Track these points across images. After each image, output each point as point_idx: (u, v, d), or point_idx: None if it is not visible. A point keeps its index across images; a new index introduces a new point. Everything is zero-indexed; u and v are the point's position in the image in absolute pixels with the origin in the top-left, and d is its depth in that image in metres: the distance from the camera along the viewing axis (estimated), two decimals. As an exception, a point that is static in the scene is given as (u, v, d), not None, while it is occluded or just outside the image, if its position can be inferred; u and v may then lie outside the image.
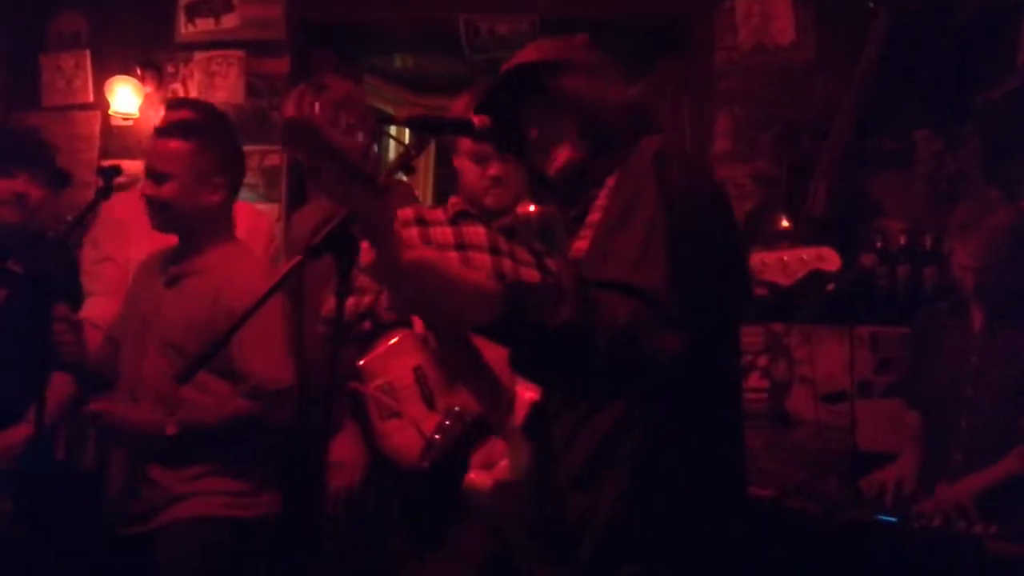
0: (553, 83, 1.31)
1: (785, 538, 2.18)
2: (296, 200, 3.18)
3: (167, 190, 2.00)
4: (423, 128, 1.35)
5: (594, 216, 1.24)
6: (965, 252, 2.34)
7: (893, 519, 2.17)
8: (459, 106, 1.94)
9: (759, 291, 3.27)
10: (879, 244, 3.15)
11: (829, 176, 3.21)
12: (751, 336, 3.20)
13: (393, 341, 1.90)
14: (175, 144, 2.00)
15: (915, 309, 2.82)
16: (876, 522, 2.22)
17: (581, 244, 1.24)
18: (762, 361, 3.25)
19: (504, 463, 1.23)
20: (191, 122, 2.04)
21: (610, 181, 1.24)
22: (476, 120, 1.46)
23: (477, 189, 2.00)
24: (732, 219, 1.28)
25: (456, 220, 2.02)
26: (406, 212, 2.00)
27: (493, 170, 1.96)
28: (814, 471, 3.17)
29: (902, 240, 3.20)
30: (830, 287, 2.52)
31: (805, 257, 2.31)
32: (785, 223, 3.18)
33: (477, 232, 1.99)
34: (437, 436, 1.65)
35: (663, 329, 1.02)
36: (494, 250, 1.97)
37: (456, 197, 2.09)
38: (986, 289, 2.34)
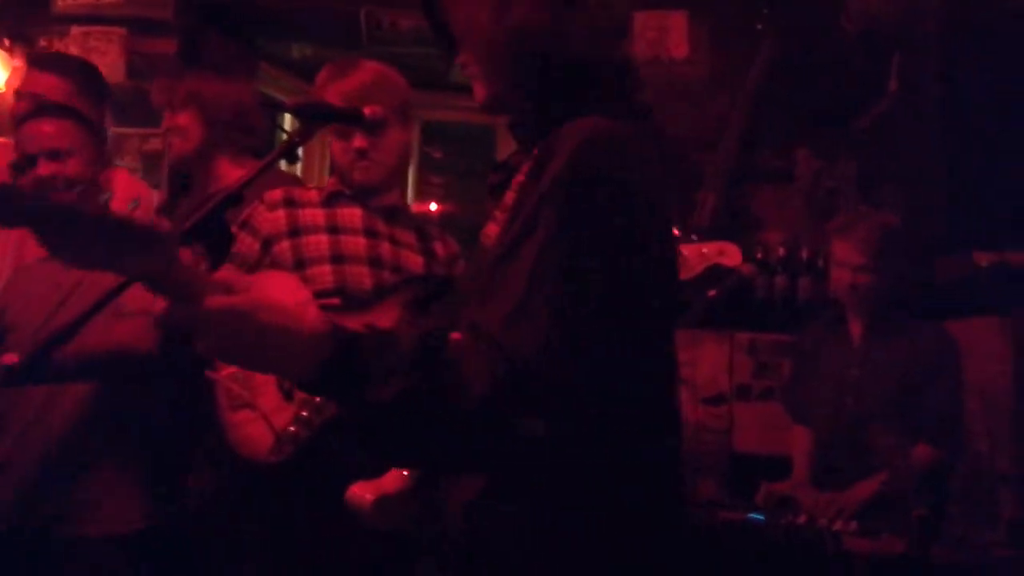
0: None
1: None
2: (179, 187, 3.04)
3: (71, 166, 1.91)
4: (311, 116, 1.31)
5: (510, 197, 1.00)
6: (845, 249, 2.40)
7: (761, 517, 2.27)
8: (321, 79, 1.82)
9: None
10: (759, 255, 3.29)
11: (716, 189, 3.34)
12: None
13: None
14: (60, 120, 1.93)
15: (791, 317, 2.95)
16: (747, 521, 2.32)
17: (492, 229, 1.03)
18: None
19: (390, 474, 1.15)
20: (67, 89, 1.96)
21: (527, 165, 0.98)
22: (368, 110, 1.43)
23: (343, 164, 1.86)
24: (668, 223, 1.02)
25: (330, 201, 1.88)
26: (274, 194, 1.86)
27: (357, 142, 1.80)
28: (694, 472, 3.28)
29: (780, 252, 3.36)
30: (712, 293, 2.61)
31: (706, 251, 2.35)
32: (675, 232, 3.27)
33: (352, 214, 1.86)
34: (292, 429, 1.53)
35: (528, 405, 0.84)
36: (370, 232, 1.85)
37: (334, 179, 1.96)
38: (863, 291, 2.40)
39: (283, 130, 1.27)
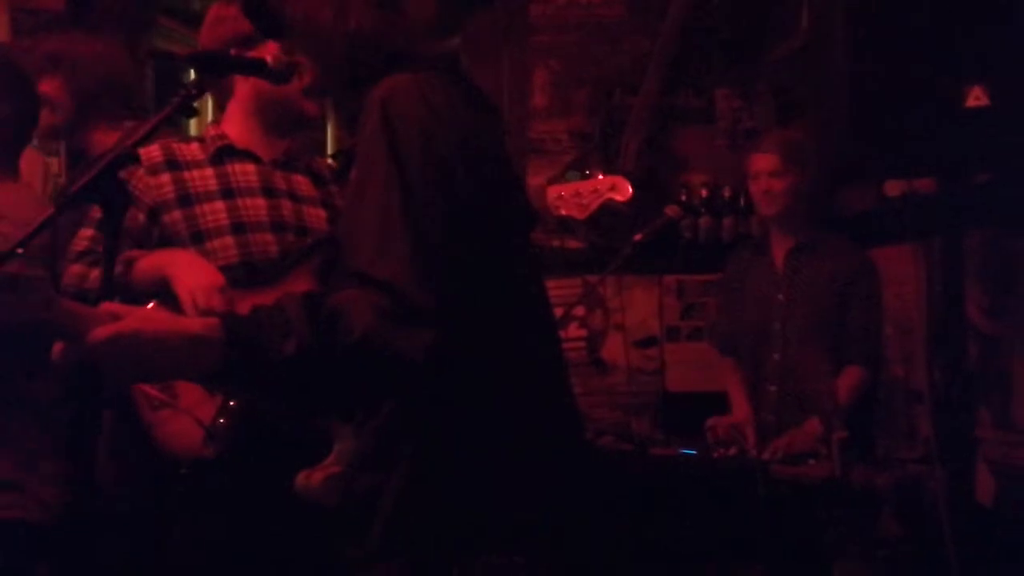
0: None
1: (600, 476, 2.28)
2: (77, 155, 2.88)
3: None
4: (209, 67, 1.24)
5: (355, 172, 1.10)
6: (757, 160, 2.51)
7: (693, 451, 2.33)
8: (210, 19, 1.66)
9: (573, 244, 3.41)
10: (683, 197, 3.33)
11: (639, 132, 3.36)
12: (569, 288, 3.30)
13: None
14: None
15: (716, 256, 3.00)
16: (680, 455, 2.38)
17: (345, 203, 1.13)
18: (579, 311, 3.37)
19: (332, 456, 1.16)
20: None
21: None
22: (270, 58, 1.36)
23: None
24: (498, 148, 1.12)
25: (219, 158, 1.68)
26: (152, 153, 1.65)
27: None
28: (628, 412, 3.36)
29: (704, 193, 3.40)
30: (638, 237, 2.62)
31: (598, 187, 2.35)
32: (601, 177, 3.28)
33: (245, 170, 1.68)
34: (221, 420, 1.47)
35: (410, 327, 0.92)
36: (268, 191, 1.69)
37: (216, 127, 1.72)
38: (778, 195, 2.47)
39: (181, 84, 1.20)
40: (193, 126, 2.73)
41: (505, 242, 1.09)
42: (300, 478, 1.14)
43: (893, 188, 2.38)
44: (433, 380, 0.97)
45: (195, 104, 1.20)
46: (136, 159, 1.10)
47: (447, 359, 0.95)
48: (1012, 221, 2.10)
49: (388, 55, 1.09)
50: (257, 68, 1.33)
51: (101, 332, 0.90)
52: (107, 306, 0.96)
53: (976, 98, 1.44)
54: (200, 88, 1.19)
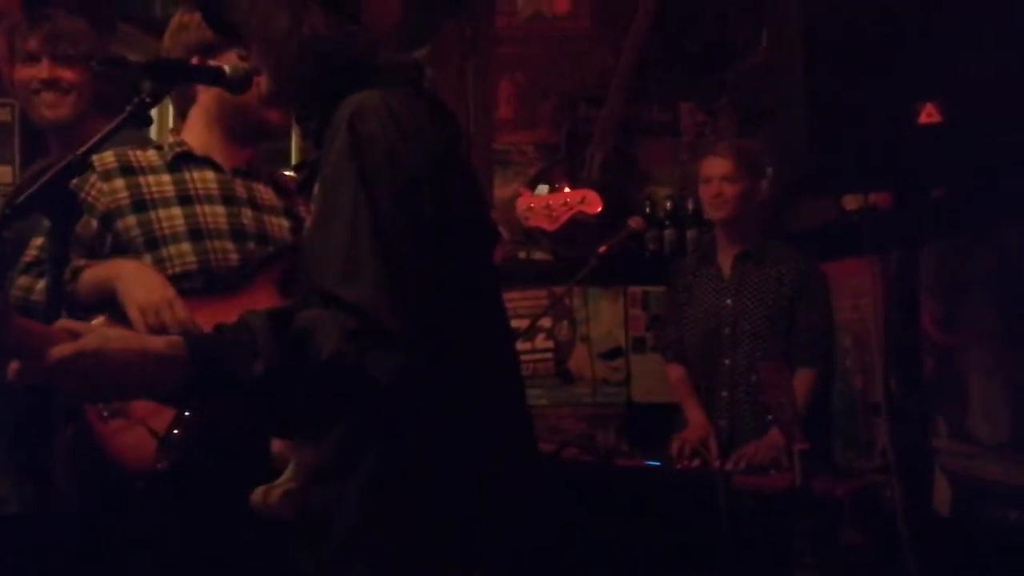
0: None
1: (563, 487, 2.28)
2: (31, 161, 2.81)
3: None
4: (166, 75, 1.22)
5: (321, 191, 1.09)
6: (708, 165, 2.58)
7: (657, 463, 2.34)
8: (172, 28, 1.63)
9: (539, 255, 3.41)
10: (647, 209, 3.36)
11: (604, 144, 3.38)
12: (535, 300, 3.31)
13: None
14: None
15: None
16: (644, 467, 2.39)
17: (310, 221, 1.12)
18: (546, 323, 3.37)
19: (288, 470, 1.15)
20: None
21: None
22: (228, 68, 1.34)
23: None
24: (463, 162, 1.13)
25: (177, 165, 1.64)
26: (106, 159, 1.60)
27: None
28: (594, 424, 3.36)
29: (668, 205, 3.44)
30: (603, 249, 2.64)
31: (568, 200, 2.37)
32: (567, 191, 3.29)
33: (204, 178, 1.64)
34: (175, 432, 1.43)
35: (378, 349, 0.92)
36: (228, 199, 1.64)
37: (175, 134, 1.69)
38: (728, 199, 2.54)
39: (137, 92, 1.17)
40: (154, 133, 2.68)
41: (470, 257, 1.09)
42: (257, 495, 1.12)
43: (851, 202, 2.43)
44: (398, 400, 0.96)
45: (150, 112, 1.19)
46: (87, 167, 1.08)
47: (413, 379, 0.94)
48: (965, 234, 2.15)
49: (349, 66, 1.09)
50: (214, 77, 1.31)
51: (61, 351, 0.87)
52: (63, 323, 0.94)
53: (929, 115, 1.47)
54: (155, 96, 1.17)
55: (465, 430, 1.06)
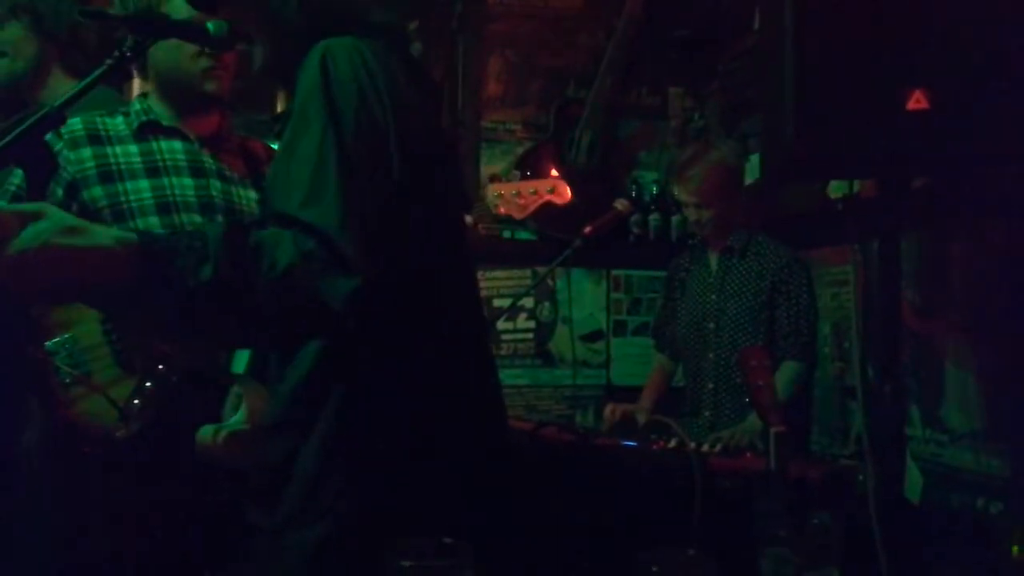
0: None
1: (539, 466, 2.29)
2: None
3: None
4: (145, 29, 1.19)
5: (288, 125, 1.08)
6: (682, 192, 2.60)
7: (634, 443, 2.35)
8: None
9: (524, 235, 3.41)
10: (634, 193, 3.36)
11: (592, 126, 3.37)
12: (519, 280, 3.30)
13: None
14: None
15: (665, 253, 3.04)
16: (621, 447, 2.40)
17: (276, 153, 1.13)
18: (528, 303, 3.37)
19: (239, 413, 1.12)
20: None
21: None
22: (213, 25, 1.31)
23: (189, 72, 1.60)
24: (435, 124, 1.13)
25: (143, 134, 1.62)
26: (74, 127, 1.58)
27: (203, 60, 1.58)
28: (573, 405, 3.38)
29: (654, 189, 3.44)
30: (588, 230, 2.64)
31: (538, 188, 2.36)
32: (554, 172, 3.28)
33: (172, 149, 1.62)
34: (136, 402, 1.44)
35: (333, 271, 0.91)
36: (196, 170, 1.63)
37: (143, 100, 1.66)
38: (705, 223, 2.59)
39: (117, 46, 1.14)
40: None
41: (434, 217, 1.08)
42: (202, 435, 1.10)
43: (836, 190, 2.44)
44: (350, 331, 0.95)
45: (130, 67, 1.16)
46: (62, 120, 1.05)
47: (367, 313, 0.93)
48: (946, 224, 2.17)
49: (337, 21, 1.08)
50: (196, 34, 1.28)
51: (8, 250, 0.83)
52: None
53: (917, 101, 1.47)
54: (135, 51, 1.14)
55: (426, 385, 1.05)
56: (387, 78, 1.02)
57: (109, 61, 1.08)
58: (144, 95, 1.68)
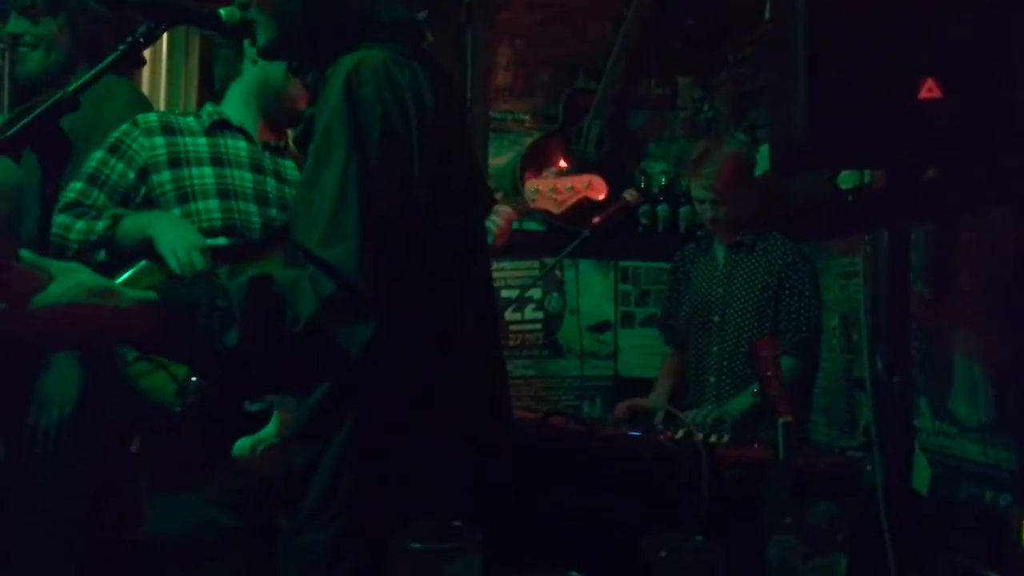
0: None
1: (547, 455, 2.29)
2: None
3: None
4: (160, 15, 1.20)
5: (313, 146, 1.09)
6: (696, 188, 2.58)
7: (639, 433, 2.35)
8: None
9: (532, 226, 3.40)
10: (642, 184, 3.35)
11: (601, 116, 3.36)
12: (527, 270, 3.30)
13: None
14: None
15: (673, 245, 3.04)
16: (627, 436, 2.40)
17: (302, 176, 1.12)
18: (536, 294, 3.37)
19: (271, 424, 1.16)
20: None
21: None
22: (225, 13, 1.32)
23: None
24: (459, 131, 1.14)
25: (213, 130, 1.80)
26: (150, 118, 1.76)
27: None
28: (581, 396, 3.38)
29: (663, 181, 3.42)
30: (597, 220, 2.64)
31: (575, 185, 2.39)
32: (563, 163, 3.28)
33: (237, 146, 1.80)
34: (194, 379, 1.54)
35: (352, 319, 0.93)
36: (256, 167, 1.79)
37: (215, 105, 1.86)
38: (719, 219, 2.58)
39: (132, 33, 1.15)
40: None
41: (458, 225, 1.10)
42: (239, 448, 1.14)
43: (846, 181, 2.43)
44: (370, 368, 0.98)
45: (143, 53, 1.17)
46: (76, 105, 1.06)
47: (387, 347, 0.96)
48: (955, 215, 2.15)
49: (350, 18, 1.08)
50: (210, 21, 1.29)
51: (39, 301, 0.88)
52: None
53: (929, 90, 1.46)
54: (149, 36, 1.15)
55: (439, 392, 1.07)
56: (412, 93, 1.02)
57: (122, 47, 1.09)
58: (215, 101, 1.84)
